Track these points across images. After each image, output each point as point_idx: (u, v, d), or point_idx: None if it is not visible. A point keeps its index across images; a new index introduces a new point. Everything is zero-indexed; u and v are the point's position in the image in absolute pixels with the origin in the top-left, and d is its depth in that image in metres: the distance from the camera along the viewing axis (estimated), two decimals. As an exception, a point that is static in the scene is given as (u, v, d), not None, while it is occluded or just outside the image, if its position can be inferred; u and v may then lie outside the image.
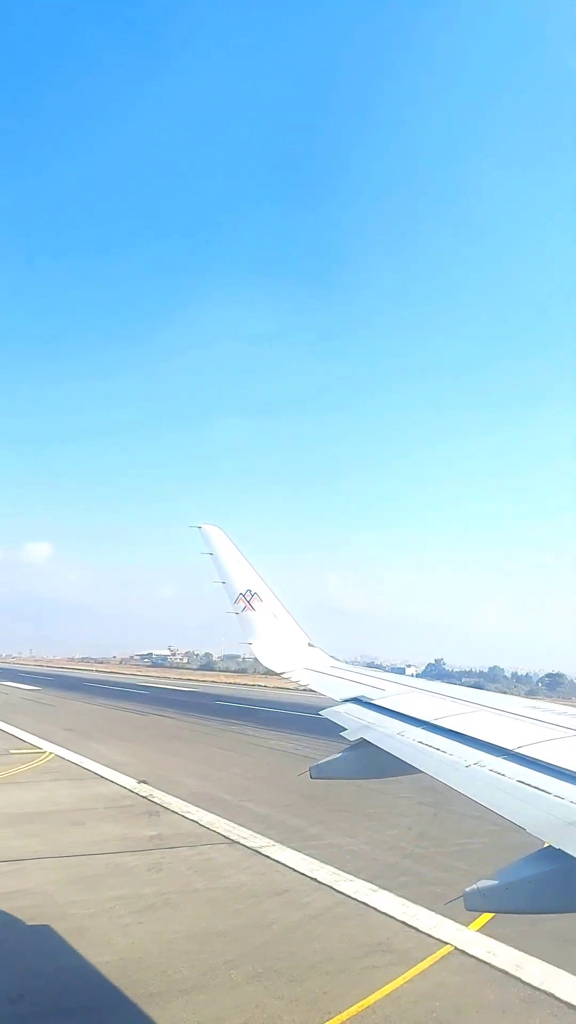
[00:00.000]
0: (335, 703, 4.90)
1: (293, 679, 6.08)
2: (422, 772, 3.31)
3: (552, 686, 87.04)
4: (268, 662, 6.45)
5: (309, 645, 6.57)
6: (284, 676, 6.26)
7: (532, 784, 2.78)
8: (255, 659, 6.52)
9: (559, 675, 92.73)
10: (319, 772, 4.55)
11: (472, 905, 2.63)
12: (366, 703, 4.59)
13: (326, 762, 4.58)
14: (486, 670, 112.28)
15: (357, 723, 4.25)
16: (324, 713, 5.00)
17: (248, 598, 6.66)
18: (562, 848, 2.38)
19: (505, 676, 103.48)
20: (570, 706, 4.76)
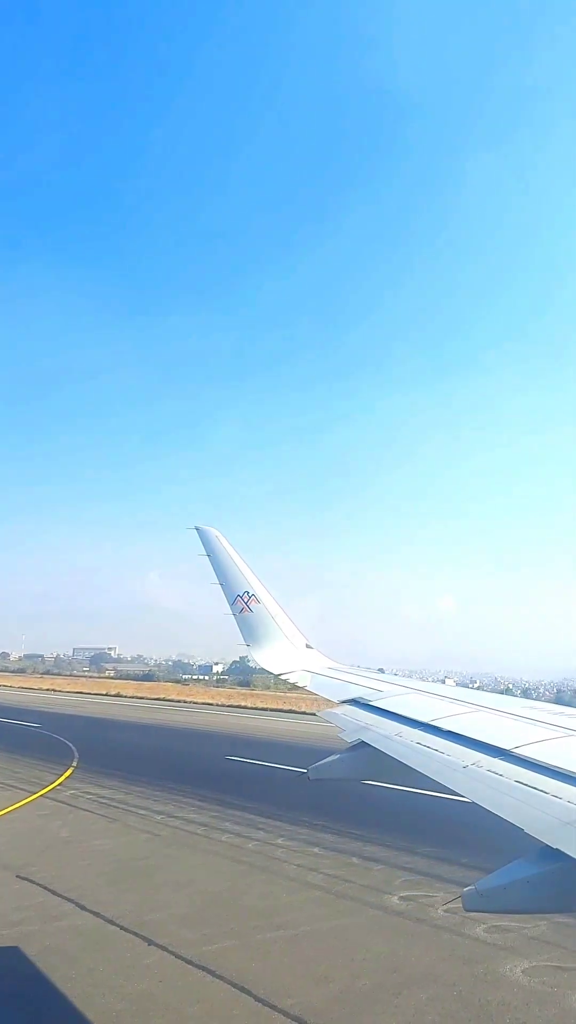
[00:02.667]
0: (334, 704, 4.90)
1: (291, 681, 6.07)
2: (420, 773, 3.30)
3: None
4: (266, 664, 6.44)
5: (307, 647, 6.57)
6: (282, 678, 6.26)
7: (529, 784, 2.77)
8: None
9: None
10: (317, 773, 4.54)
11: (470, 905, 2.63)
12: (364, 704, 4.58)
13: (324, 763, 4.58)
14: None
15: (355, 724, 4.25)
16: (323, 714, 5.00)
17: (245, 600, 6.66)
18: (560, 848, 2.37)
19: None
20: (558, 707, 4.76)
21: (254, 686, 71.82)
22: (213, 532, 7.10)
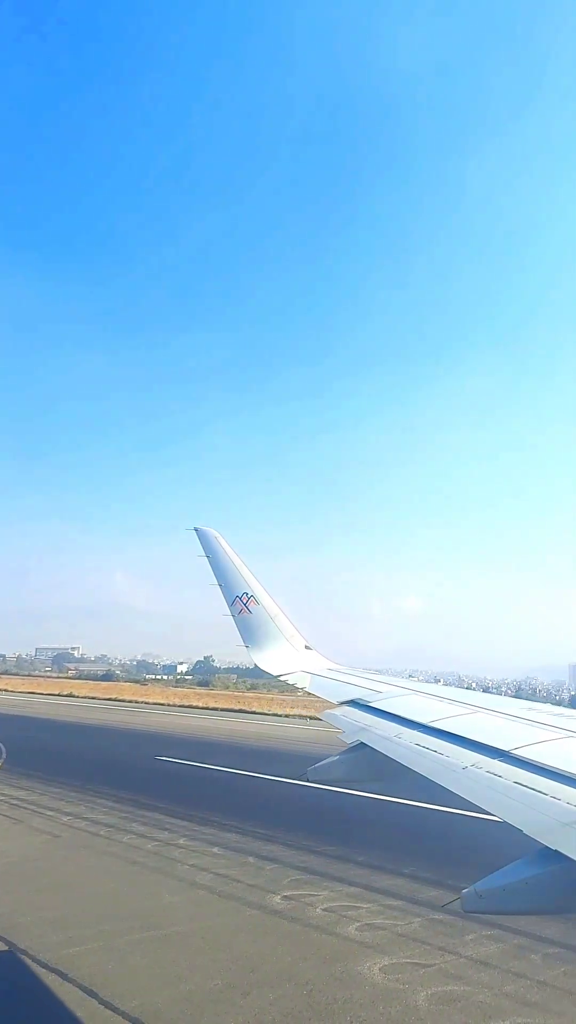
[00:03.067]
0: (333, 705, 4.90)
1: (290, 682, 6.07)
2: (419, 774, 3.30)
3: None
4: (265, 665, 6.43)
5: (306, 648, 6.56)
6: (281, 679, 6.26)
7: (528, 786, 2.77)
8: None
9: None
10: (316, 775, 4.54)
11: (469, 906, 2.62)
12: (363, 705, 4.58)
13: (323, 765, 4.57)
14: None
15: (354, 725, 4.24)
16: (322, 715, 5.00)
17: (244, 601, 6.65)
18: (558, 849, 2.37)
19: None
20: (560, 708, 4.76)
21: (213, 686, 71.51)
22: (212, 533, 7.09)
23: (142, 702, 42.94)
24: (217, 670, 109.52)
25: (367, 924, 7.20)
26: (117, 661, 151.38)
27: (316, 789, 14.27)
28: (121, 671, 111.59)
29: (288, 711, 35.43)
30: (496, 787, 2.85)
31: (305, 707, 38.94)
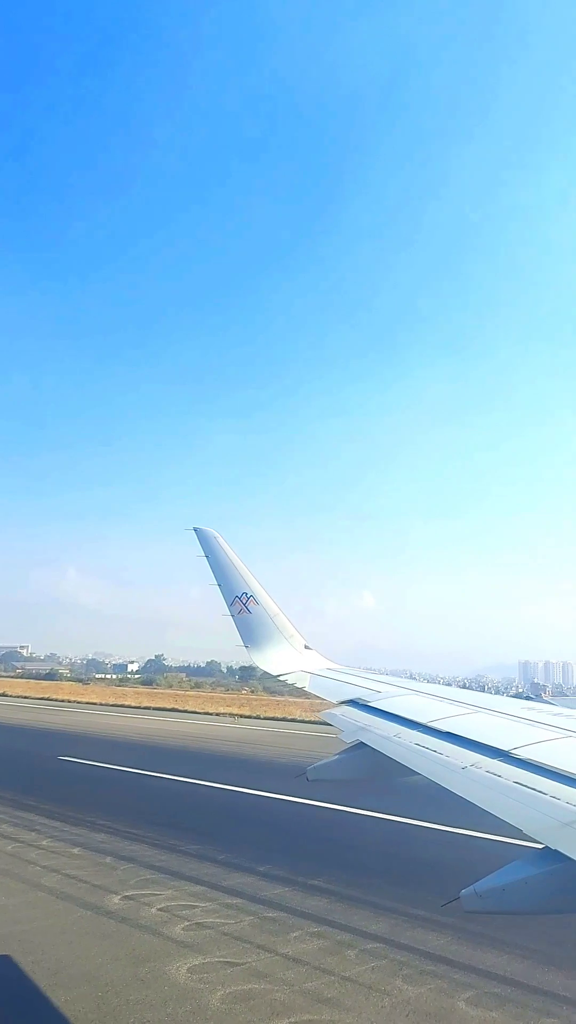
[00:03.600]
0: (332, 705, 4.90)
1: (290, 682, 6.08)
2: (419, 774, 3.31)
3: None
4: (265, 665, 6.44)
5: (305, 647, 6.57)
6: (281, 679, 6.26)
7: (528, 785, 2.78)
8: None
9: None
10: (316, 774, 4.54)
11: (469, 906, 2.63)
12: (362, 705, 4.59)
13: (322, 764, 4.58)
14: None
15: (353, 725, 4.25)
16: (321, 715, 5.00)
17: (244, 601, 6.66)
18: (558, 849, 2.38)
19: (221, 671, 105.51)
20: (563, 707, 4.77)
21: (157, 685, 70.15)
22: (212, 533, 7.09)
23: (76, 701, 42.09)
24: (168, 669, 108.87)
25: (196, 923, 7.08)
26: (67, 660, 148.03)
27: (211, 788, 14.27)
28: (70, 670, 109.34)
29: (221, 710, 35.18)
30: (496, 787, 2.86)
31: (241, 706, 38.86)
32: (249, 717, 32.37)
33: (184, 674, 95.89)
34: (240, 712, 33.93)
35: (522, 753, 3.08)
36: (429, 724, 3.75)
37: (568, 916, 2.80)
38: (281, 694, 60.38)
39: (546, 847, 2.45)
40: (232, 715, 32.86)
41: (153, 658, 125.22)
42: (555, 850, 2.39)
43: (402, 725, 3.93)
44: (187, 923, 7.09)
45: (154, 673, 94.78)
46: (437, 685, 5.99)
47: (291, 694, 60.07)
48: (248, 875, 8.73)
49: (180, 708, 37.33)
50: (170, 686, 68.95)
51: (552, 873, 2.48)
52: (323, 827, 11.53)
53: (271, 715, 32.68)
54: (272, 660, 6.41)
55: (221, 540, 7.04)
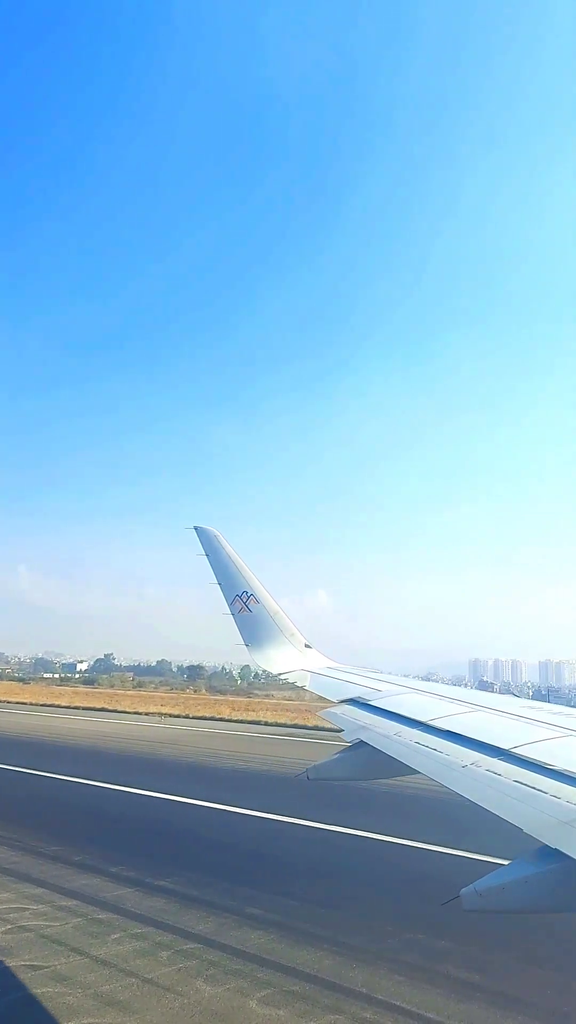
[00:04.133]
0: (332, 704, 4.91)
1: (290, 681, 6.08)
2: (419, 773, 3.31)
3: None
4: (265, 664, 6.44)
5: (306, 646, 6.57)
6: (281, 677, 6.26)
7: (528, 784, 2.78)
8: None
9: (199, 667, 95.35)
10: (316, 773, 4.55)
11: (469, 904, 2.63)
12: (363, 704, 4.59)
13: (323, 763, 4.58)
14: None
15: (354, 724, 4.26)
16: (322, 714, 5.00)
17: (244, 600, 6.66)
18: (558, 848, 2.38)
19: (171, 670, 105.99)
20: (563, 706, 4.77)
21: (99, 684, 68.81)
22: (212, 532, 7.09)
23: (5, 701, 41.13)
24: (117, 668, 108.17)
25: (20, 927, 6.78)
26: (16, 659, 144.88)
27: (100, 789, 13.70)
28: (17, 669, 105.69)
29: (152, 709, 34.79)
30: (496, 785, 2.86)
31: (175, 705, 37.67)
32: (179, 717, 32.07)
33: (132, 673, 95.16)
34: (171, 712, 33.65)
35: (523, 752, 3.08)
36: (429, 723, 3.75)
37: (568, 915, 2.79)
38: (222, 693, 60.67)
39: (546, 846, 2.45)
40: (161, 715, 32.70)
41: (103, 657, 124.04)
42: (555, 849, 2.39)
43: (402, 724, 3.93)
44: (9, 926, 6.80)
45: (103, 672, 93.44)
46: (438, 684, 6.00)
47: (234, 694, 59.91)
48: (97, 876, 8.38)
49: (112, 708, 36.60)
50: (112, 686, 67.31)
51: (553, 872, 2.48)
52: (197, 827, 11.23)
53: (201, 715, 32.68)
54: (273, 659, 6.41)
55: (222, 539, 7.04)
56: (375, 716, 4.26)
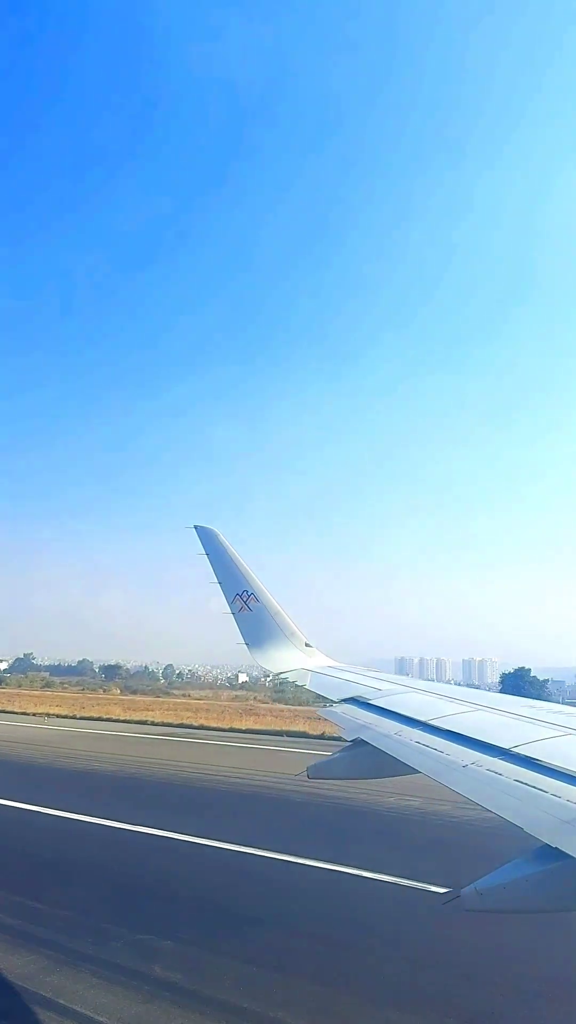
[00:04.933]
0: (332, 703, 4.90)
1: (291, 680, 6.08)
2: (419, 772, 3.31)
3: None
4: (266, 663, 6.44)
5: (306, 645, 6.57)
6: (281, 676, 6.26)
7: (529, 783, 2.77)
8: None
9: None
10: (317, 772, 4.55)
11: (470, 904, 2.63)
12: (363, 703, 4.59)
13: (324, 762, 4.58)
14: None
15: (354, 723, 4.25)
16: (322, 713, 4.99)
17: (244, 599, 6.66)
18: (559, 847, 2.37)
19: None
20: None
21: (7, 685, 65.80)
22: (212, 531, 7.09)
23: None
24: (38, 668, 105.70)
25: None
26: None
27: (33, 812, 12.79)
28: None
29: (40, 710, 34.03)
30: (496, 785, 2.85)
31: (71, 705, 36.57)
32: (65, 717, 31.57)
33: (48, 672, 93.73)
34: (58, 712, 33.00)
35: (523, 751, 3.07)
36: (430, 722, 3.74)
37: (568, 914, 2.79)
38: (135, 693, 59.18)
39: (546, 845, 2.44)
40: (46, 715, 32.22)
41: (22, 656, 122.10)
42: (556, 848, 2.38)
43: (403, 723, 3.93)
44: None
45: (20, 672, 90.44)
46: (438, 683, 5.99)
47: (145, 693, 58.42)
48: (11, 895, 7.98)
49: (7, 709, 34.96)
50: (20, 686, 65.17)
51: (553, 871, 2.47)
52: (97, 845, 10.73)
53: (89, 715, 32.14)
54: (273, 658, 6.41)
55: (222, 538, 7.04)
56: (375, 715, 4.26)
